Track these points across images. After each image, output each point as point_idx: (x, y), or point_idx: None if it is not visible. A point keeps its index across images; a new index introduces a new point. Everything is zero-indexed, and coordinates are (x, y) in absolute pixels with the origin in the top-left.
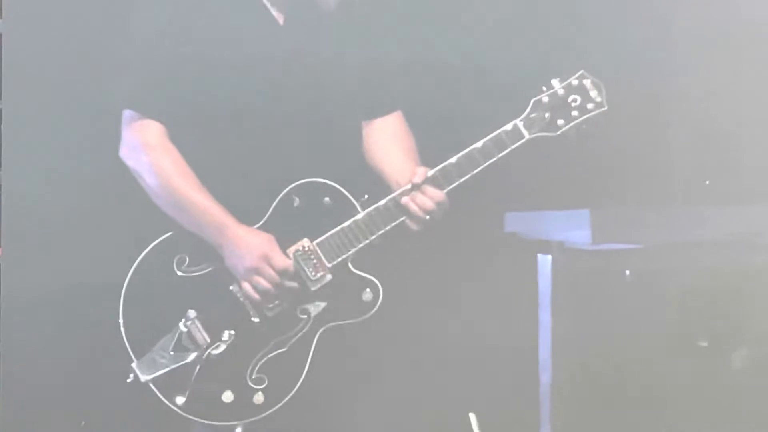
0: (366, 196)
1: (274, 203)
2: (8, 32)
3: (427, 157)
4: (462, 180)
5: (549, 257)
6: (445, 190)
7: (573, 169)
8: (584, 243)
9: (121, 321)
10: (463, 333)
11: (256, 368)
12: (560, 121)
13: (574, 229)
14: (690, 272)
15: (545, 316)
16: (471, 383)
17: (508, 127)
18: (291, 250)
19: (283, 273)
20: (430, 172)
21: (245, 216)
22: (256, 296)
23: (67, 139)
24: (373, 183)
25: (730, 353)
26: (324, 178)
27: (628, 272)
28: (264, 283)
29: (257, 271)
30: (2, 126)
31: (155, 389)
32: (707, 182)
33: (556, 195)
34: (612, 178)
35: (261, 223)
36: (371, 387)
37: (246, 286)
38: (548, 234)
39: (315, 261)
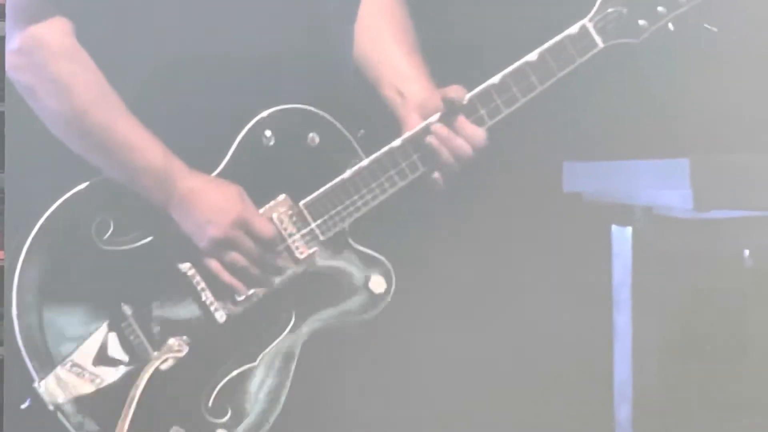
0: (362, 131)
1: (237, 140)
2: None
3: (451, 78)
4: (509, 111)
5: (629, 230)
6: (486, 126)
7: (663, 98)
8: (682, 209)
9: (15, 322)
10: (502, 343)
11: (215, 392)
12: (642, 22)
13: (668, 188)
14: None
15: (623, 319)
16: (515, 417)
17: (574, 30)
18: (265, 212)
19: (266, 245)
20: (466, 97)
21: (194, 159)
22: (231, 280)
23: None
24: (368, 110)
25: None
26: (308, 105)
27: (747, 253)
28: (242, 261)
29: (230, 244)
30: (6, 128)
31: (64, 420)
32: None
33: (639, 136)
34: (722, 113)
35: (218, 170)
36: (376, 416)
37: (214, 265)
38: (629, 196)
39: (303, 231)
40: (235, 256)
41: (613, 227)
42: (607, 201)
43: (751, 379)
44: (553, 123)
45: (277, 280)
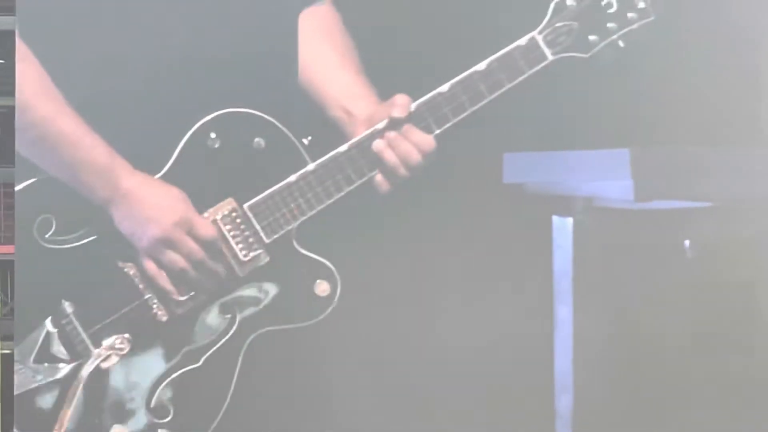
0: (309, 138)
1: (182, 142)
2: (22, 28)
3: (399, 85)
4: (457, 119)
5: (570, 221)
6: (434, 134)
7: (606, 90)
8: (623, 200)
9: None
10: (445, 336)
11: (158, 392)
12: (592, 37)
13: (608, 179)
14: None
15: (564, 311)
16: (456, 409)
17: (523, 41)
18: (210, 214)
19: (208, 247)
20: (414, 105)
21: (139, 160)
22: (166, 283)
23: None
24: (315, 117)
25: None
26: (255, 110)
27: (688, 243)
28: (181, 263)
29: (170, 244)
30: (16, 122)
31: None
32: None
33: (580, 127)
34: (664, 104)
35: (162, 172)
36: (321, 416)
37: (151, 266)
38: (569, 187)
39: (247, 233)
40: (174, 257)
41: (554, 218)
42: (548, 192)
43: (692, 369)
44: (493, 114)
45: (219, 283)
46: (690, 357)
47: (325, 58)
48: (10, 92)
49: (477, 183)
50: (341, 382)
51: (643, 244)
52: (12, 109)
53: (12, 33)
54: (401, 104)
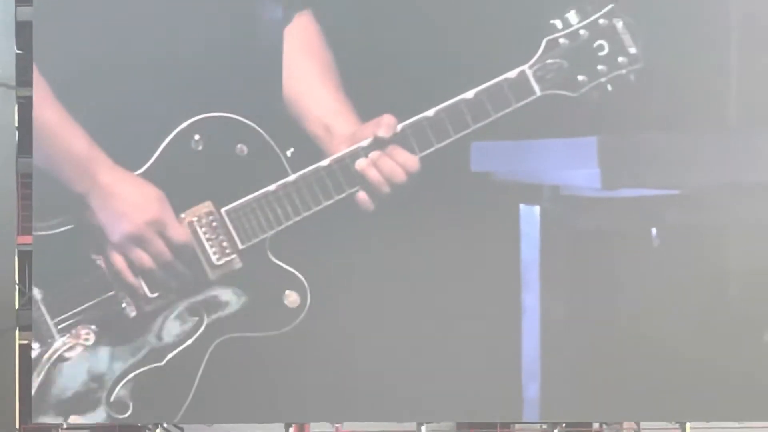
0: (291, 150)
1: (165, 141)
2: (38, 20)
3: (384, 106)
4: (440, 146)
5: (537, 209)
6: (419, 156)
7: (573, 105)
8: (590, 188)
9: None
10: (413, 325)
11: (119, 386)
12: (581, 77)
13: (576, 167)
14: (753, 231)
15: (531, 299)
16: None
17: (512, 74)
18: (187, 216)
19: (178, 250)
20: (399, 126)
21: (120, 156)
22: (131, 278)
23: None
24: (298, 131)
25: None
26: (241, 117)
27: (655, 232)
28: (148, 262)
29: (141, 242)
30: (33, 113)
31: None
32: None
33: (548, 116)
34: (631, 94)
35: (143, 168)
36: (285, 417)
37: (119, 260)
38: (537, 175)
39: (222, 237)
40: (142, 256)
41: (521, 206)
42: (515, 180)
43: (659, 357)
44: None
45: (185, 285)
46: (657, 343)
47: (306, 74)
48: (29, 82)
49: (445, 171)
50: (303, 390)
51: (611, 232)
52: (30, 99)
53: (30, 24)
54: (387, 124)
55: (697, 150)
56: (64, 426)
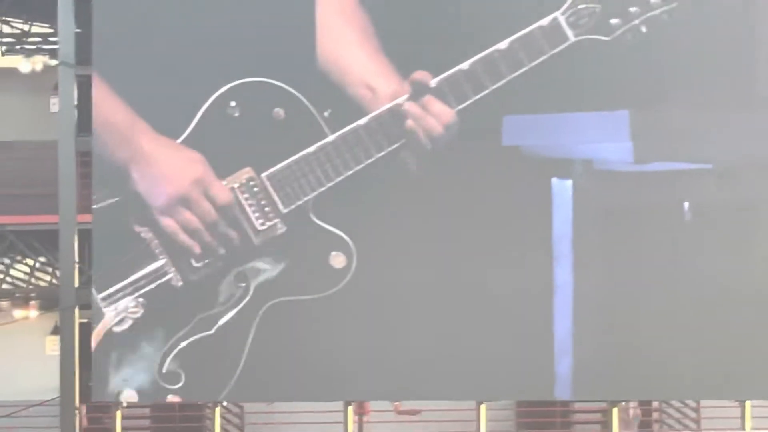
0: (329, 111)
1: (203, 108)
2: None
3: (420, 62)
4: (477, 97)
5: (569, 183)
6: (456, 110)
7: (607, 51)
8: (622, 162)
9: None
10: (450, 301)
11: (170, 357)
12: (614, 21)
13: (608, 140)
14: None
15: (564, 274)
16: (460, 372)
17: (545, 21)
18: (228, 182)
19: (223, 210)
20: (434, 81)
21: (160, 124)
22: (185, 239)
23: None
24: (335, 92)
25: None
26: (275, 80)
27: (687, 205)
28: (196, 222)
29: (187, 203)
30: (93, 91)
31: None
32: None
33: (579, 89)
34: (666, 67)
35: (183, 136)
36: (335, 389)
37: (169, 223)
38: (569, 149)
39: (264, 202)
40: (189, 217)
41: (554, 180)
42: (547, 155)
43: (691, 333)
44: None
45: (232, 248)
46: (688, 318)
47: (344, 39)
48: (88, 60)
49: (477, 145)
50: (354, 353)
51: (643, 206)
52: (89, 78)
53: (88, 2)
54: (423, 74)
55: (729, 125)
56: (124, 405)
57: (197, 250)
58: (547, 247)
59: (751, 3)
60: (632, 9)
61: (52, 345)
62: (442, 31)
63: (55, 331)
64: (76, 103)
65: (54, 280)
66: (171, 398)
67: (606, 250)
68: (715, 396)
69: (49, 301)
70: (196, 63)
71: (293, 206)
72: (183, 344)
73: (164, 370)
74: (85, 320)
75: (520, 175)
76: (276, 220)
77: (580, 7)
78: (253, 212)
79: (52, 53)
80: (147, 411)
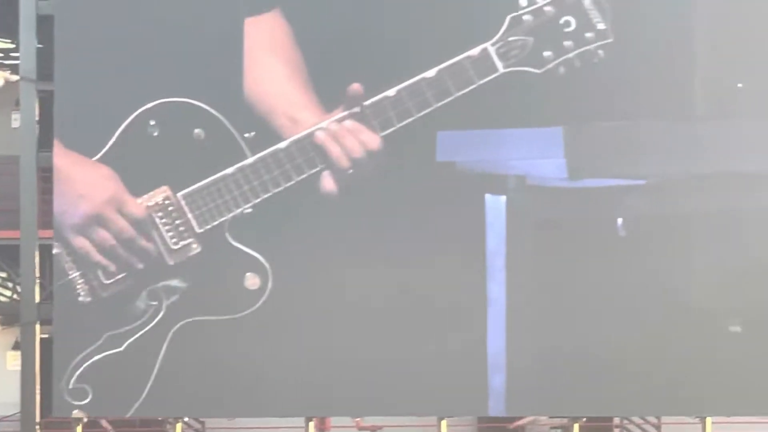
0: (252, 133)
1: (121, 127)
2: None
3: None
4: (401, 124)
5: (503, 199)
6: (381, 135)
7: (538, 82)
8: (556, 178)
9: None
10: (378, 316)
11: (77, 374)
12: (547, 53)
13: (542, 156)
14: (718, 221)
15: (496, 289)
16: (390, 387)
17: (474, 51)
18: (143, 200)
19: (138, 225)
20: (357, 107)
21: (77, 142)
22: (99, 258)
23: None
24: (258, 119)
25: None
26: (196, 100)
27: (620, 222)
28: (111, 240)
29: (101, 221)
30: (54, 107)
31: None
32: (740, 85)
33: (513, 105)
34: (600, 81)
35: (100, 154)
36: (242, 408)
37: (82, 242)
38: (502, 165)
39: (179, 222)
40: (104, 235)
41: (487, 196)
42: (481, 170)
43: (624, 346)
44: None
45: (148, 264)
46: (621, 333)
47: (273, 72)
48: (50, 76)
49: (410, 161)
50: (266, 373)
51: (577, 222)
52: (51, 93)
53: (51, 18)
54: (356, 88)
55: (663, 140)
56: (85, 420)
57: (112, 268)
58: (480, 263)
59: (689, 29)
60: (566, 43)
61: (14, 360)
62: (372, 61)
63: (16, 346)
64: (37, 118)
65: (15, 296)
66: (77, 413)
67: (540, 265)
68: (653, 412)
69: (9, 316)
70: (123, 81)
71: (208, 226)
72: (90, 361)
73: (70, 386)
74: (46, 335)
75: (455, 191)
76: (190, 240)
77: (511, 39)
78: (167, 231)
79: (14, 69)
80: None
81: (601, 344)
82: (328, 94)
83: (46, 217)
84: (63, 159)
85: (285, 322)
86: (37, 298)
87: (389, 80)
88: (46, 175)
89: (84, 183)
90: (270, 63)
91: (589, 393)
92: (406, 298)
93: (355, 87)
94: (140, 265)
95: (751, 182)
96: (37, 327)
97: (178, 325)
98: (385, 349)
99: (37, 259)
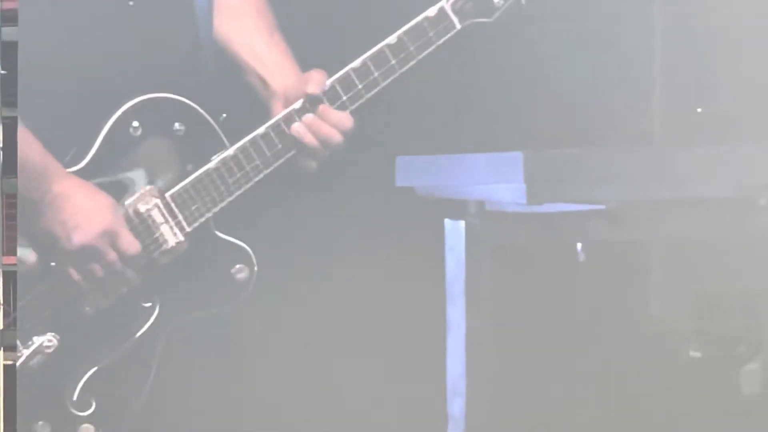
0: (224, 115)
1: (105, 129)
2: (26, 32)
3: (311, 60)
4: (370, 95)
5: (462, 224)
6: (349, 110)
7: (499, 89)
8: (515, 203)
9: None
10: (339, 337)
11: (79, 386)
12: (496, 0)
13: (501, 181)
14: (675, 247)
15: (456, 314)
16: (349, 411)
17: (432, 11)
18: (132, 203)
19: (129, 261)
20: (328, 82)
21: (61, 150)
22: (85, 287)
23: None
24: (229, 91)
25: (737, 369)
26: (171, 93)
27: (580, 247)
28: (100, 272)
29: (93, 253)
30: (18, 133)
31: None
32: (699, 110)
33: (472, 130)
34: (556, 107)
35: (85, 162)
36: (239, 404)
37: (71, 270)
38: (462, 190)
39: (169, 222)
40: (95, 267)
41: (446, 221)
42: (440, 195)
43: (583, 372)
44: (386, 117)
45: (139, 273)
46: (581, 357)
47: (241, 15)
48: (14, 103)
49: (370, 186)
50: (257, 365)
51: (536, 247)
52: (15, 120)
53: (15, 44)
54: (317, 80)
55: (623, 165)
56: None
57: (99, 296)
58: (440, 288)
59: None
60: None
61: None
62: (330, 27)
63: None
64: (1, 144)
65: None
66: (85, 428)
67: (499, 291)
68: None
69: None
70: (97, 87)
71: (197, 224)
72: (91, 371)
73: (74, 397)
74: (10, 362)
75: (414, 216)
76: (181, 239)
77: None
78: (159, 233)
79: None
80: None
81: (560, 369)
82: (295, 43)
83: (10, 243)
84: (62, 183)
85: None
86: (0, 325)
87: (357, 50)
88: (10, 201)
89: (80, 213)
90: (238, 7)
91: (549, 418)
92: (367, 324)
93: (317, 74)
94: (125, 291)
95: (710, 208)
96: (1, 352)
97: (172, 323)
98: (340, 375)
99: (0, 285)
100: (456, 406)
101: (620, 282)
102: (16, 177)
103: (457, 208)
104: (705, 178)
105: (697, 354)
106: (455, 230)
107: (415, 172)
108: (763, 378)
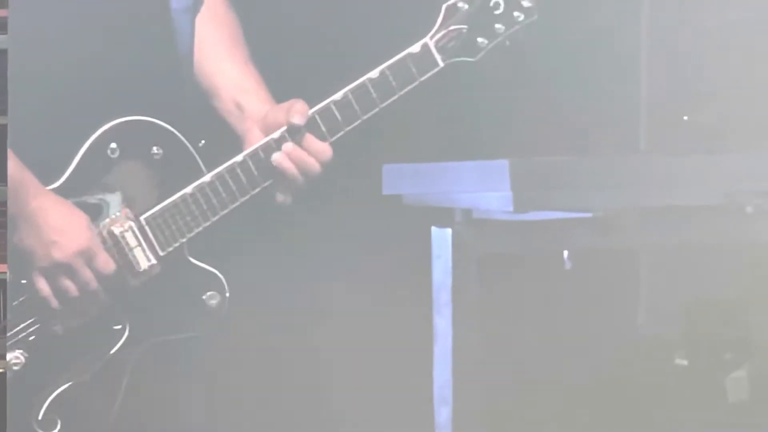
0: (203, 141)
1: (83, 149)
2: (13, 47)
3: (291, 91)
4: (350, 128)
5: (449, 232)
6: (330, 141)
7: (485, 99)
8: (502, 211)
9: None
10: (326, 347)
11: (46, 404)
12: (480, 39)
13: (488, 189)
14: (662, 254)
15: (443, 323)
16: (335, 421)
17: (415, 48)
18: (107, 225)
19: (103, 280)
20: (309, 112)
21: (37, 169)
22: (55, 305)
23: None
24: (208, 120)
25: (723, 377)
26: (150, 117)
27: (567, 255)
28: (74, 291)
29: (68, 271)
30: (8, 140)
31: None
32: (685, 117)
33: (458, 138)
34: (543, 114)
35: (61, 180)
36: (209, 428)
37: (43, 287)
38: (448, 198)
39: (143, 245)
40: (69, 285)
41: (433, 229)
42: (427, 203)
43: (570, 378)
44: (370, 122)
45: (109, 294)
46: (569, 366)
47: (215, 44)
48: (3, 111)
49: (356, 194)
50: (229, 390)
51: (523, 255)
52: (5, 127)
53: (4, 52)
54: (300, 111)
55: (609, 173)
56: None
57: (69, 315)
58: (426, 296)
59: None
60: (497, 26)
61: None
62: (312, 59)
63: None
64: None
65: None
66: None
67: (485, 299)
68: None
69: None
70: (76, 104)
71: (171, 248)
72: (58, 390)
73: (40, 416)
74: (1, 370)
75: (401, 224)
76: (153, 262)
77: (450, 29)
78: (132, 256)
79: None
80: None
81: (547, 376)
82: (268, 70)
83: (0, 251)
84: (39, 199)
85: (242, 339)
86: None
87: (337, 82)
88: (1, 210)
89: (60, 227)
90: (211, 37)
91: (536, 426)
92: (354, 332)
93: (300, 105)
94: (95, 312)
95: (697, 215)
96: None
97: (142, 347)
98: (327, 383)
99: None
100: (443, 414)
101: (607, 290)
102: (5, 185)
103: (443, 216)
104: (692, 185)
105: (684, 362)
106: (442, 238)
107: (402, 180)
108: (749, 386)
